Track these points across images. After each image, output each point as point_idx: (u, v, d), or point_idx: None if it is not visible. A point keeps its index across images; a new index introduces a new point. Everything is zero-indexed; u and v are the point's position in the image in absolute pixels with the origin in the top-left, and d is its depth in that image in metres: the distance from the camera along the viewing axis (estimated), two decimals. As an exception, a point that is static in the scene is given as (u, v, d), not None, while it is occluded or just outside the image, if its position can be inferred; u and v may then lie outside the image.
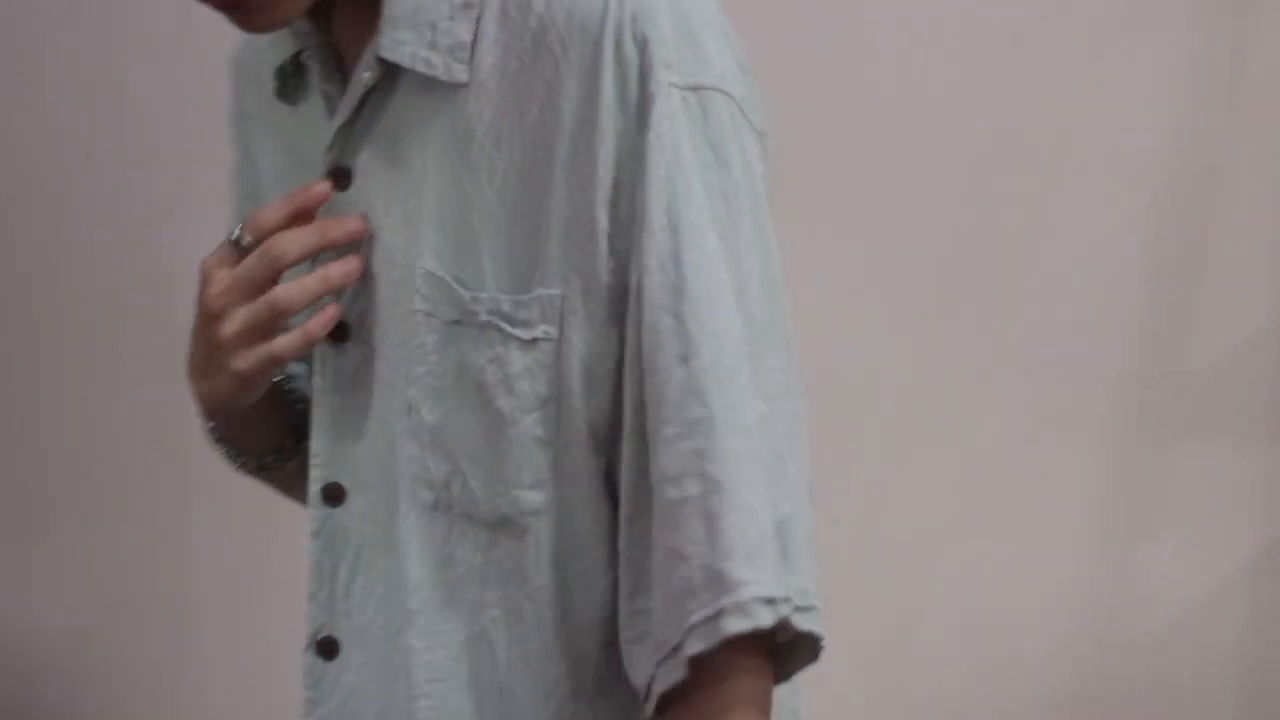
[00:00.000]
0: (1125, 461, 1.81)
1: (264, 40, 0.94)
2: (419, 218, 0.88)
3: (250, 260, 0.88)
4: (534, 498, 0.88)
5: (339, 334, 0.92)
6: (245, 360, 0.89)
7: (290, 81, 0.96)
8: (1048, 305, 1.78)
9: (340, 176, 0.90)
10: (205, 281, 0.90)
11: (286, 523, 1.82)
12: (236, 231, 0.90)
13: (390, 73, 0.88)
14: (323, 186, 0.89)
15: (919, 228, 1.77)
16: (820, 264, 1.77)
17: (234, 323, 0.88)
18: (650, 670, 0.81)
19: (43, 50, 1.71)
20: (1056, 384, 1.79)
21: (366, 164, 0.90)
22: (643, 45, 0.82)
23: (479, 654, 0.91)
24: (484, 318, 0.86)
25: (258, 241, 0.88)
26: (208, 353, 0.91)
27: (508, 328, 0.86)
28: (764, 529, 0.79)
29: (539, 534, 0.89)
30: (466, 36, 0.86)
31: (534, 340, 0.86)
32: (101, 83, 1.71)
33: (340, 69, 0.92)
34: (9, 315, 1.78)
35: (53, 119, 1.73)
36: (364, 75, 0.87)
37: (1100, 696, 1.84)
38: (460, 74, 0.86)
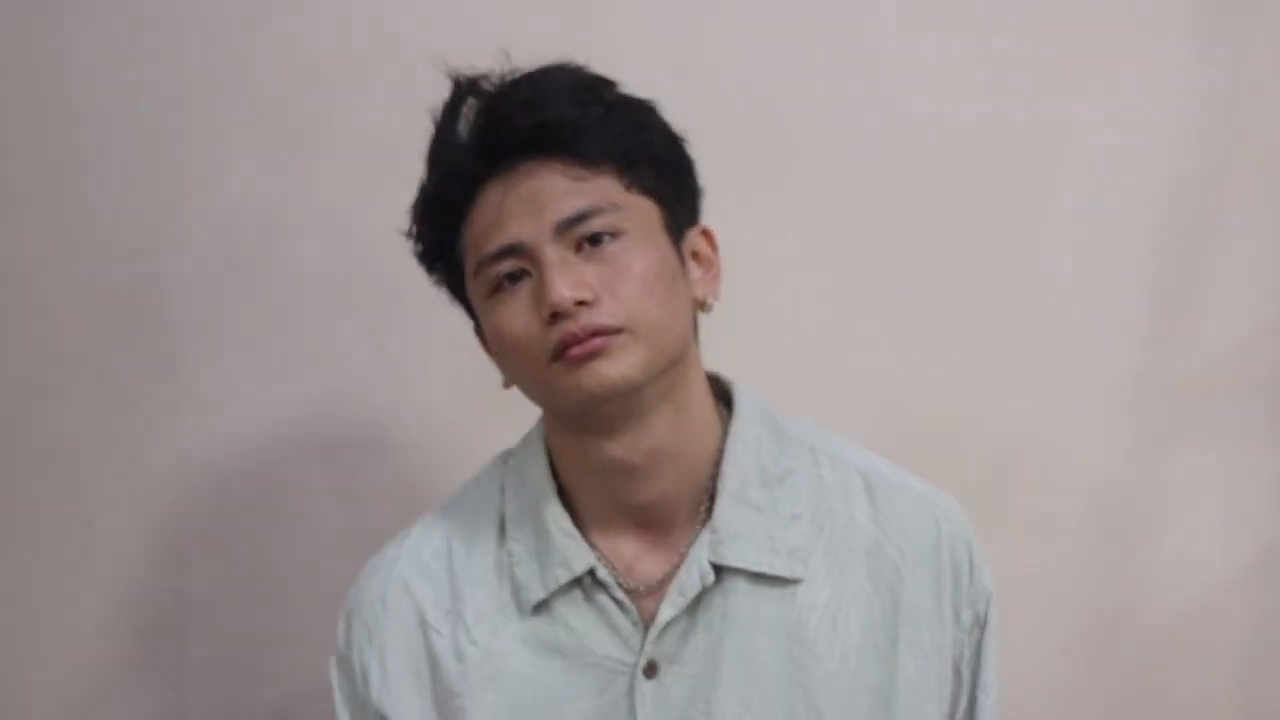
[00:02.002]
0: (1125, 461, 1.81)
1: (459, 559, 1.15)
2: (753, 692, 1.05)
3: None
4: None
5: None
6: None
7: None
8: (1047, 305, 1.78)
9: (650, 669, 1.06)
10: None
11: (287, 522, 1.83)
12: None
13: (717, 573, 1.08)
14: None
15: (917, 227, 1.77)
16: (817, 262, 1.77)
17: None
18: None
19: (42, 49, 1.71)
20: (1056, 383, 1.79)
21: (677, 653, 1.07)
22: (968, 546, 1.15)
23: None
24: None
25: None
26: None
27: None
28: None
29: None
30: (800, 542, 1.10)
31: None
32: (101, 80, 1.71)
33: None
34: (7, 315, 1.79)
35: (52, 118, 1.73)
36: (699, 579, 1.07)
37: (1099, 696, 1.84)
38: (800, 572, 1.09)
